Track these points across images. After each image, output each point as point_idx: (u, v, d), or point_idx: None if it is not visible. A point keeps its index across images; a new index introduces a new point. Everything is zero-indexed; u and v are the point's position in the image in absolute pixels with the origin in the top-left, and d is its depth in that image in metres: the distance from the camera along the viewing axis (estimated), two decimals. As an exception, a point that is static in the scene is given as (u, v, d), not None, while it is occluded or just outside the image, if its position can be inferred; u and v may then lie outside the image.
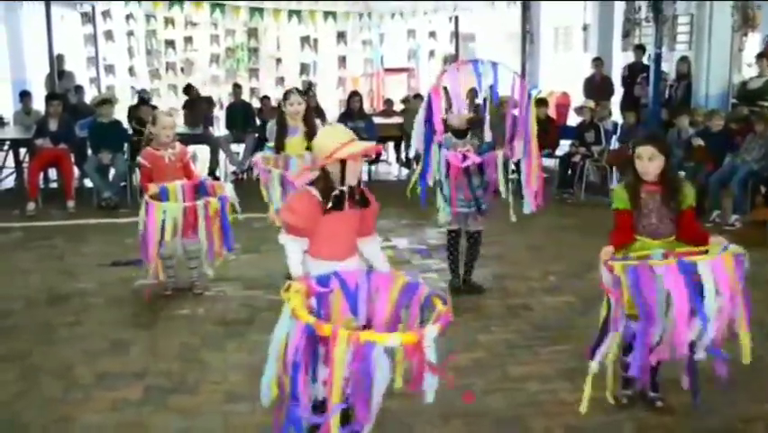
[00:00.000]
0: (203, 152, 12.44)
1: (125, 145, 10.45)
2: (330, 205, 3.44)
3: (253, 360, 4.83)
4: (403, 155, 12.89)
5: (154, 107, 11.92)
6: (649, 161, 3.93)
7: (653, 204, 3.99)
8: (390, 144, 13.25)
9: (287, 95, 6.29)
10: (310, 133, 6.02)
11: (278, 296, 6.00)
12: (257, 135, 12.08)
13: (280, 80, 15.21)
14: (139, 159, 6.12)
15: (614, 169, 10.87)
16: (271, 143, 6.31)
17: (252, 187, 11.74)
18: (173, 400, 4.33)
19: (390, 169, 13.63)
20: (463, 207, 6.04)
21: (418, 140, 5.95)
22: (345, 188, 3.50)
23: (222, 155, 12.18)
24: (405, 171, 12.60)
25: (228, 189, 6.03)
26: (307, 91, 12.34)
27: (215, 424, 4.06)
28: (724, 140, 9.44)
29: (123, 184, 10.26)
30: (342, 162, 3.45)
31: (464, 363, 4.83)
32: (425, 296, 3.40)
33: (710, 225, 9.06)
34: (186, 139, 11.65)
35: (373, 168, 12.83)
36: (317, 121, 6.44)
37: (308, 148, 5.89)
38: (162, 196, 5.87)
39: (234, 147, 12.29)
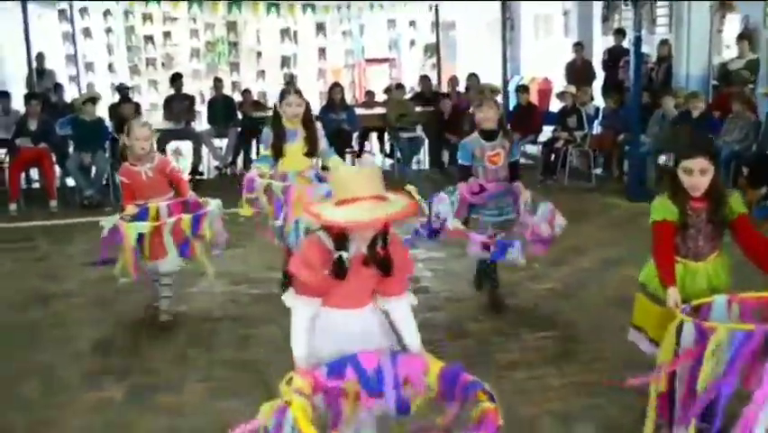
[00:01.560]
0: (186, 147, 12.42)
1: (107, 143, 10.38)
2: (333, 273, 2.79)
3: (240, 356, 4.82)
4: (386, 146, 12.86)
5: (137, 105, 11.87)
6: (701, 175, 3.37)
7: (699, 222, 3.48)
8: (373, 135, 13.21)
9: (284, 95, 5.58)
10: (311, 138, 5.55)
11: (263, 291, 6.02)
12: (239, 129, 12.05)
13: (261, 73, 15.13)
14: (118, 177, 5.63)
15: (597, 153, 10.90)
16: (267, 151, 5.62)
17: (236, 182, 11.74)
18: (159, 398, 4.30)
19: (374, 159, 13.61)
20: (492, 215, 5.28)
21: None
22: (347, 255, 2.78)
23: (205, 150, 12.12)
24: (388, 162, 12.58)
25: (213, 205, 5.31)
26: (289, 83, 12.31)
27: (203, 422, 4.03)
28: (706, 123, 9.48)
29: (105, 182, 10.20)
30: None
31: (452, 351, 4.83)
32: (466, 386, 2.80)
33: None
34: (168, 135, 11.74)
35: (358, 160, 12.80)
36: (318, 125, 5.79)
37: (308, 154, 5.58)
38: (142, 216, 5.20)
39: (217, 142, 12.23)
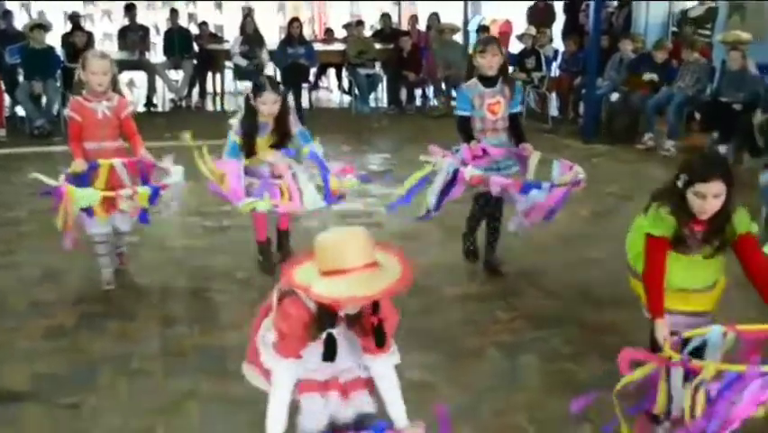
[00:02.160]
0: (140, 79, 12.20)
1: (58, 72, 10.15)
2: (323, 355, 2.55)
3: (191, 285, 4.83)
4: (344, 82, 12.77)
5: (89, 34, 11.58)
6: (714, 199, 3.00)
7: (694, 243, 3.16)
8: (331, 71, 13.10)
9: (258, 91, 4.82)
10: (280, 131, 4.94)
11: (216, 223, 5.99)
12: (195, 62, 11.86)
13: (218, 5, 14.86)
14: (66, 111, 4.86)
15: (553, 95, 10.95)
16: (237, 137, 4.91)
17: (191, 115, 11.61)
18: (111, 325, 4.30)
19: (331, 96, 13.53)
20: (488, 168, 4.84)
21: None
22: (336, 332, 2.54)
23: (160, 82, 11.92)
24: (346, 99, 12.51)
25: (176, 173, 4.76)
26: (248, 15, 12.06)
27: (154, 347, 4.05)
28: (665, 70, 9.59)
29: (56, 112, 10.00)
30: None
31: (402, 285, 4.89)
32: None
33: (643, 147, 9.28)
34: (121, 66, 11.49)
35: (314, 95, 12.69)
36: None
37: (275, 146, 4.96)
38: (86, 178, 4.58)
39: (172, 74, 12.05)
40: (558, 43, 11.95)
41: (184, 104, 12.03)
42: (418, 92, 12.54)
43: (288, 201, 4.73)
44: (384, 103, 12.42)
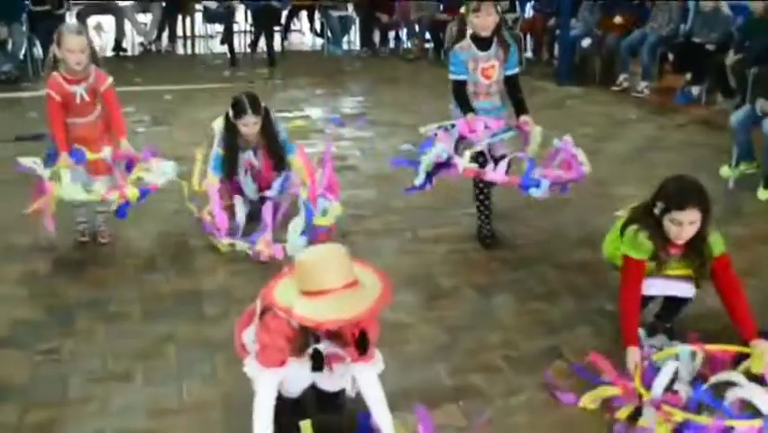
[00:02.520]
0: (108, 22, 11.97)
1: (23, 15, 9.92)
2: (311, 367, 2.68)
3: (166, 229, 4.83)
4: (317, 25, 12.61)
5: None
6: (690, 225, 3.11)
7: (670, 259, 3.29)
8: (303, 13, 12.92)
9: (239, 113, 4.61)
10: (271, 151, 4.77)
11: (188, 167, 5.96)
12: (164, 4, 11.65)
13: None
14: (46, 90, 4.44)
15: (528, 37, 10.90)
16: (215, 174, 4.74)
17: (161, 59, 11.44)
18: (87, 271, 4.30)
19: (304, 39, 13.38)
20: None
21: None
22: (323, 347, 2.66)
23: (128, 26, 11.70)
24: (319, 41, 12.37)
25: (168, 168, 4.62)
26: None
27: (131, 292, 4.05)
28: (641, 10, 9.57)
29: (22, 57, 9.81)
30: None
31: (377, 226, 4.92)
32: None
33: (617, 88, 9.31)
34: (88, 9, 11.28)
35: (286, 38, 12.53)
36: None
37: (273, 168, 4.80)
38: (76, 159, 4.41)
39: (141, 17, 11.82)
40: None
41: (154, 48, 11.86)
42: (392, 34, 12.42)
43: (270, 252, 4.42)
44: (357, 45, 12.30)
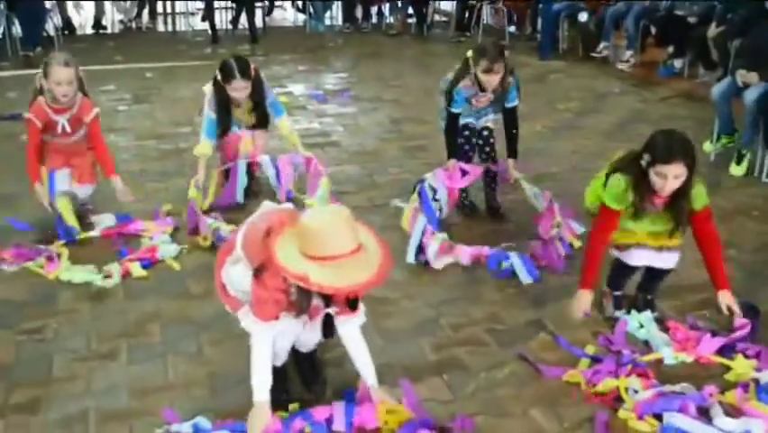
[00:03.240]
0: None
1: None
2: (323, 333, 2.76)
3: (149, 209, 4.79)
4: (299, 0, 12.51)
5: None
6: (674, 179, 3.15)
7: (654, 210, 3.32)
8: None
9: (227, 77, 4.58)
10: (259, 113, 4.82)
11: (170, 145, 5.92)
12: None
13: None
14: (28, 115, 4.34)
15: (511, 12, 10.86)
16: (209, 140, 4.71)
17: (142, 36, 11.33)
18: (73, 251, 4.26)
19: (286, 15, 13.28)
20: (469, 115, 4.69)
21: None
22: (333, 311, 2.73)
23: (108, 3, 11.58)
24: (301, 17, 12.28)
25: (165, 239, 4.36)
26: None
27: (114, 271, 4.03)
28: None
29: (1, 34, 9.68)
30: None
31: (359, 201, 4.92)
32: None
33: (597, 55, 9.32)
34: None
35: (269, 15, 12.43)
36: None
37: (253, 126, 4.86)
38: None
39: (120, -6, 11.70)
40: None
41: (134, 25, 11.71)
42: (374, 10, 12.34)
43: None
44: (339, 21, 12.23)
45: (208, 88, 4.76)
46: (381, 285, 2.54)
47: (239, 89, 4.62)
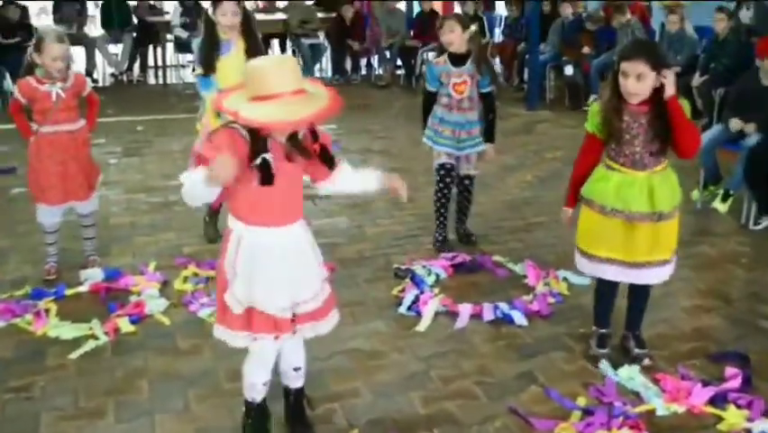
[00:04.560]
0: (78, 53, 11.92)
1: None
2: (257, 179, 2.53)
3: (137, 263, 4.78)
4: (288, 53, 12.65)
5: (23, 8, 11.25)
6: (638, 81, 3.16)
7: (638, 128, 3.27)
8: (275, 42, 12.95)
9: (216, 2, 4.52)
10: (251, 50, 4.56)
11: (159, 198, 5.93)
12: (135, 35, 11.65)
13: (157, -24, 14.53)
14: (14, 91, 4.45)
15: (497, 61, 11.00)
16: (200, 69, 4.70)
17: (133, 89, 11.42)
18: (61, 306, 4.21)
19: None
20: (450, 145, 4.85)
21: None
22: (269, 156, 2.54)
23: (99, 56, 11.68)
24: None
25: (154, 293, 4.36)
26: None
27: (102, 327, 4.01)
28: (606, 34, 9.71)
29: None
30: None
31: (350, 255, 4.92)
32: None
33: (587, 108, 9.39)
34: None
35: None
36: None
37: None
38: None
39: (112, 48, 11.79)
40: (502, 9, 12.00)
41: (125, 78, 11.82)
42: (363, 61, 12.49)
43: None
44: (329, 73, 12.36)
45: (195, 42, 4.82)
46: (321, 121, 2.54)
47: (228, 13, 4.50)
